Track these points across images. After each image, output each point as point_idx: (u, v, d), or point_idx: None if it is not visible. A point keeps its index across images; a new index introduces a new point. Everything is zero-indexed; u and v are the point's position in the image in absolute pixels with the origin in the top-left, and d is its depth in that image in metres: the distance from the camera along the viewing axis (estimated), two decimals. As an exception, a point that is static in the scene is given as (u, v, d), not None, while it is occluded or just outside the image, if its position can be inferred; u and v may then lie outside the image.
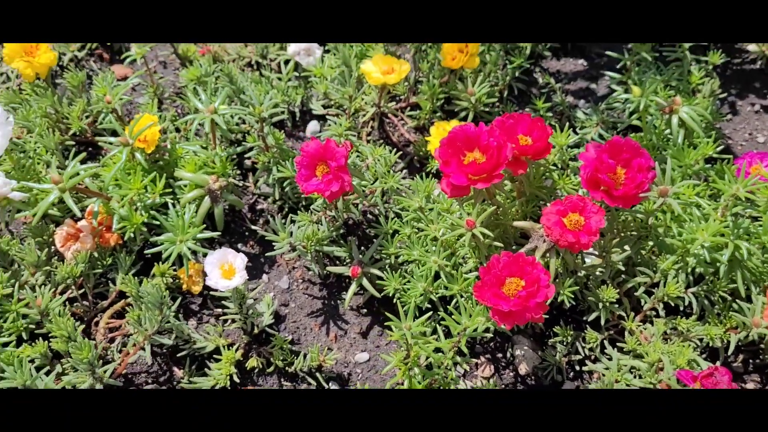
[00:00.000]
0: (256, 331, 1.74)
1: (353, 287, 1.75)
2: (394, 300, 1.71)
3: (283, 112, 2.08)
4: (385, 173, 1.84)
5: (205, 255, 1.62)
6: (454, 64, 2.07)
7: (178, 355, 1.72)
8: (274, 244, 1.81)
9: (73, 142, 2.05)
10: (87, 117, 2.12)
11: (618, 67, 2.27)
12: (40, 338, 1.62)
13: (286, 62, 2.26)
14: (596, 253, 1.65)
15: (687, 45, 2.18)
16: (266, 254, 1.89)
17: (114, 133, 2.02)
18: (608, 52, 2.24)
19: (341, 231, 1.88)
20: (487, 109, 2.16)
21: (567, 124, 2.23)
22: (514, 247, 1.70)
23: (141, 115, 1.87)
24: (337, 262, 1.90)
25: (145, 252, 1.73)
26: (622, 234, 1.70)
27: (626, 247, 1.68)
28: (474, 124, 1.59)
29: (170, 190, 1.83)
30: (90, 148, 2.16)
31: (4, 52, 2.01)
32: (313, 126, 2.23)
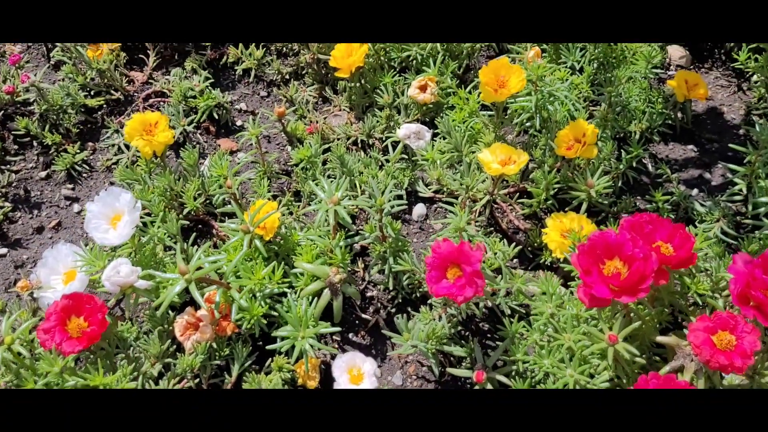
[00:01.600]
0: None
1: (474, 391, 1.68)
2: (518, 406, 1.64)
3: (403, 204, 2.05)
4: (508, 273, 1.78)
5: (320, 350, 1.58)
6: (570, 154, 2.03)
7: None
8: (390, 338, 1.76)
9: (187, 221, 2.06)
10: (200, 195, 2.13)
11: (745, 162, 2.16)
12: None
13: (394, 144, 2.25)
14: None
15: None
16: (386, 353, 1.85)
17: (231, 215, 2.02)
18: (732, 145, 2.16)
19: (458, 327, 1.82)
20: (601, 200, 2.10)
21: (684, 216, 2.15)
22: (655, 359, 1.61)
23: (260, 202, 1.86)
24: (452, 359, 1.84)
25: (267, 347, 1.70)
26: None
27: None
28: (613, 231, 1.53)
29: (288, 280, 1.81)
30: (201, 226, 2.17)
31: (126, 131, 2.05)
32: (419, 209, 2.20)
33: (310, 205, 2.09)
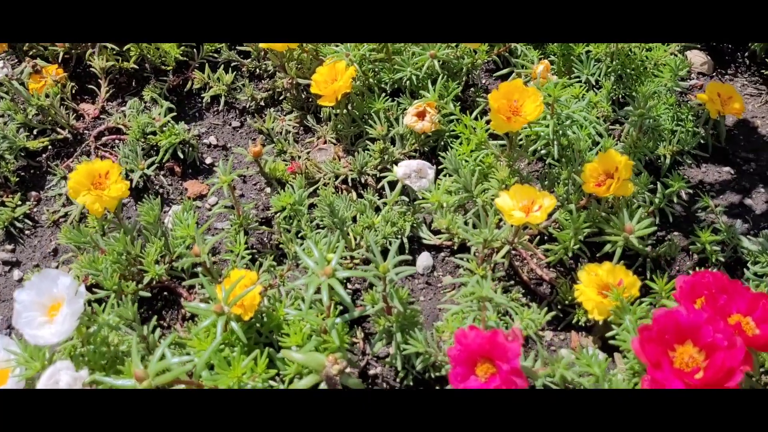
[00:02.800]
0: None
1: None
2: None
3: (412, 269, 1.73)
4: (543, 353, 1.46)
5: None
6: (601, 192, 1.71)
7: None
8: None
9: (149, 293, 1.72)
10: (164, 257, 1.79)
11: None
12: None
13: (391, 184, 1.92)
14: None
15: None
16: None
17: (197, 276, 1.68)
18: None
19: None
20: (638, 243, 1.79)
21: (733, 255, 1.85)
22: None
23: (236, 273, 1.53)
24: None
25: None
26: None
27: None
28: (684, 311, 1.21)
29: (272, 371, 1.48)
30: (167, 293, 1.82)
31: (70, 185, 1.70)
32: (425, 260, 1.87)
33: (297, 266, 1.76)
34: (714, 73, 2.49)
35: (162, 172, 2.15)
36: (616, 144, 1.96)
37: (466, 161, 1.92)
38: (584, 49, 2.23)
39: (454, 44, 2.14)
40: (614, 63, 2.21)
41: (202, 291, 1.74)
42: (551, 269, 1.85)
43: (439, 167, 1.94)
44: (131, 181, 2.04)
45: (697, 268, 1.84)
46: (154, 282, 1.75)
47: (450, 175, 1.88)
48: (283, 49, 2.12)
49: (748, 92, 2.42)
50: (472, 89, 2.29)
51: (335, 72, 2.05)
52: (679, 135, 2.07)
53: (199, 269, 1.69)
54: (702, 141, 2.11)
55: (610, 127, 2.15)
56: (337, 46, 2.12)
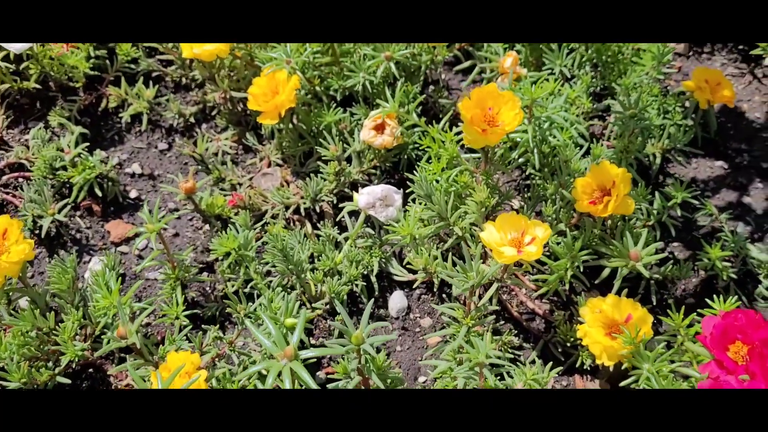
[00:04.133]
0: None
1: None
2: None
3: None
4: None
5: None
6: (598, 211, 1.48)
7: None
8: None
9: (68, 378, 1.41)
10: (83, 328, 1.47)
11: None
12: None
13: (352, 214, 1.64)
14: None
15: None
16: None
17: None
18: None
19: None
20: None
21: (742, 267, 1.65)
22: None
23: (174, 357, 1.23)
24: None
25: None
26: None
27: None
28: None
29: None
30: (92, 370, 1.51)
31: (-42, 253, 1.36)
32: (398, 300, 1.61)
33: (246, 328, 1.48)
34: (690, 53, 2.28)
35: (78, 213, 1.82)
36: (600, 144, 1.72)
37: (437, 181, 1.65)
38: (554, 36, 1.98)
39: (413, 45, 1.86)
40: (589, 52, 1.97)
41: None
42: (543, 300, 1.61)
43: (407, 191, 1.67)
44: (41, 228, 1.71)
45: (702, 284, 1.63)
46: (75, 364, 1.43)
47: (420, 201, 1.61)
48: (212, 58, 1.80)
49: (729, 72, 2.22)
50: (431, 87, 2.02)
51: (275, 83, 1.75)
52: (668, 130, 1.85)
53: (126, 363, 1.39)
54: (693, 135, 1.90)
55: (589, 123, 1.92)
56: (274, 50, 1.81)
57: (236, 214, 1.69)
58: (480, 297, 1.49)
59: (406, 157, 1.81)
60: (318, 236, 1.68)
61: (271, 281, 1.53)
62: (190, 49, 1.77)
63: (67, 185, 1.82)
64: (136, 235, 1.77)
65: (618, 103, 1.75)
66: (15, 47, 1.79)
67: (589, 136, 1.72)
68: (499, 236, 1.39)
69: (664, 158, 1.88)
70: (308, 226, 1.70)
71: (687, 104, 1.92)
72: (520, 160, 1.73)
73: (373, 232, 1.62)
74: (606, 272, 1.51)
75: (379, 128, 1.73)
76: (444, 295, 1.64)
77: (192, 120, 2.00)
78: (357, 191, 1.63)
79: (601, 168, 1.51)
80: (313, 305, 1.52)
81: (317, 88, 1.86)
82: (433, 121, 1.74)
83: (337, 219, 1.69)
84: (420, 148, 1.74)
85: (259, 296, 1.52)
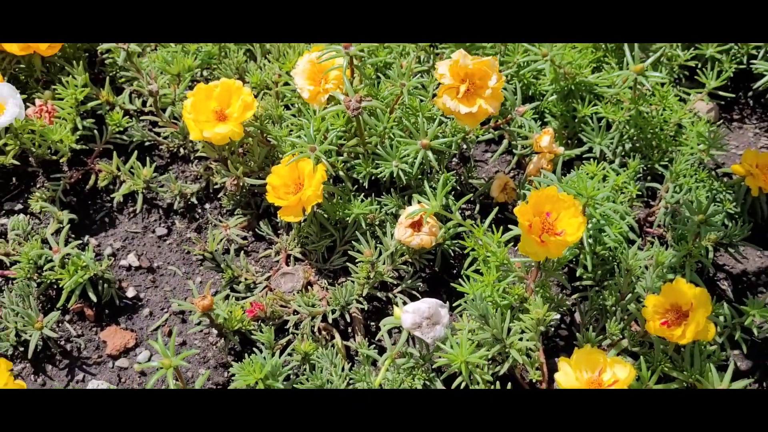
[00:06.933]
0: None
1: None
2: None
3: None
4: None
5: None
6: (675, 337, 1.32)
7: None
8: None
9: None
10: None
11: None
12: None
13: (391, 332, 1.45)
14: None
15: None
16: None
17: None
18: None
19: None
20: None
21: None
22: None
23: None
24: None
25: None
26: None
27: None
28: None
29: None
30: None
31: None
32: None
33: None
34: (721, 120, 2.16)
35: (68, 317, 1.58)
36: (654, 240, 1.57)
37: (485, 291, 1.47)
38: (591, 110, 1.83)
39: (445, 122, 1.68)
40: (630, 129, 1.82)
41: None
42: None
43: (453, 305, 1.49)
44: (26, 343, 1.47)
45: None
46: None
47: (468, 315, 1.43)
48: (224, 141, 1.58)
49: (763, 144, 2.10)
50: (454, 159, 1.85)
51: (298, 174, 1.55)
52: (720, 220, 1.72)
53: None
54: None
55: (636, 208, 1.78)
56: (297, 135, 1.60)
57: (256, 328, 1.48)
58: None
59: (440, 252, 1.63)
60: (348, 349, 1.49)
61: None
62: (199, 132, 1.55)
63: (54, 286, 1.58)
64: (137, 346, 1.55)
65: (682, 205, 1.61)
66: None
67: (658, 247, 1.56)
68: (574, 376, 1.22)
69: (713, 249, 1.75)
70: (338, 338, 1.51)
71: (734, 188, 1.79)
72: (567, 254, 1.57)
73: (416, 352, 1.43)
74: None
75: (416, 226, 1.54)
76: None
77: (194, 200, 1.78)
78: (389, 292, 1.44)
79: (675, 288, 1.35)
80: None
81: (340, 173, 1.67)
82: (474, 217, 1.56)
83: (376, 335, 1.50)
84: (458, 245, 1.56)
85: None
